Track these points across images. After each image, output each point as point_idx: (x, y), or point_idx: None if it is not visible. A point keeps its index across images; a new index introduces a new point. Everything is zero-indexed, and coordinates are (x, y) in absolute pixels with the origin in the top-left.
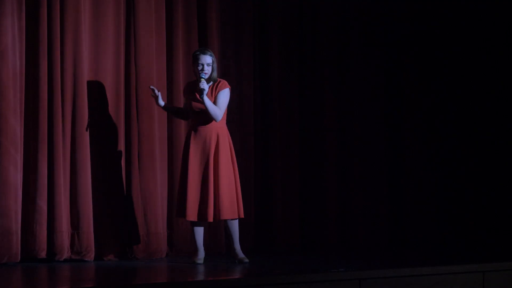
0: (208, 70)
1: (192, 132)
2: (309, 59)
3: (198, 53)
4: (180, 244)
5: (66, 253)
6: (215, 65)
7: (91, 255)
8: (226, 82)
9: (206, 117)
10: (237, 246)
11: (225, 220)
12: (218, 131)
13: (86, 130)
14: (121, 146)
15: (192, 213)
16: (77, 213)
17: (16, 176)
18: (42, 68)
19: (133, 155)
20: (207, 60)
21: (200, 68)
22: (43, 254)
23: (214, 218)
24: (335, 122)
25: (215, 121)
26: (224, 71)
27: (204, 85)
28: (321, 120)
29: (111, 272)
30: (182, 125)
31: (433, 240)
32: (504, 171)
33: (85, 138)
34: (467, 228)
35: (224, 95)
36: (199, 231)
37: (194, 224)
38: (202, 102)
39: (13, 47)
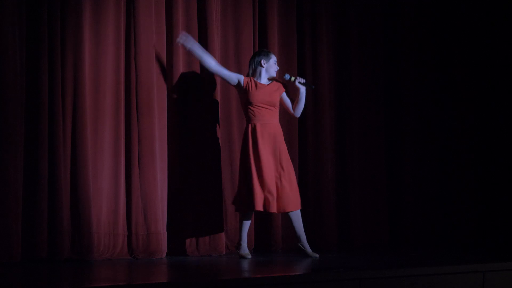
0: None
1: (259, 128)
2: (309, 61)
3: (270, 52)
4: (180, 244)
5: (66, 253)
6: None
7: (91, 255)
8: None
9: (273, 113)
10: (305, 241)
11: (290, 213)
12: (279, 128)
13: (86, 130)
14: (121, 146)
15: (259, 204)
16: (78, 213)
17: (16, 176)
18: (43, 68)
19: (133, 155)
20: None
21: (276, 66)
22: (43, 254)
23: (279, 210)
24: (334, 122)
25: (297, 116)
26: None
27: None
28: (320, 118)
29: (111, 272)
30: (180, 127)
31: (433, 240)
32: (504, 170)
33: (85, 138)
34: (467, 228)
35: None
36: (247, 225)
37: (244, 218)
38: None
39: (13, 47)
